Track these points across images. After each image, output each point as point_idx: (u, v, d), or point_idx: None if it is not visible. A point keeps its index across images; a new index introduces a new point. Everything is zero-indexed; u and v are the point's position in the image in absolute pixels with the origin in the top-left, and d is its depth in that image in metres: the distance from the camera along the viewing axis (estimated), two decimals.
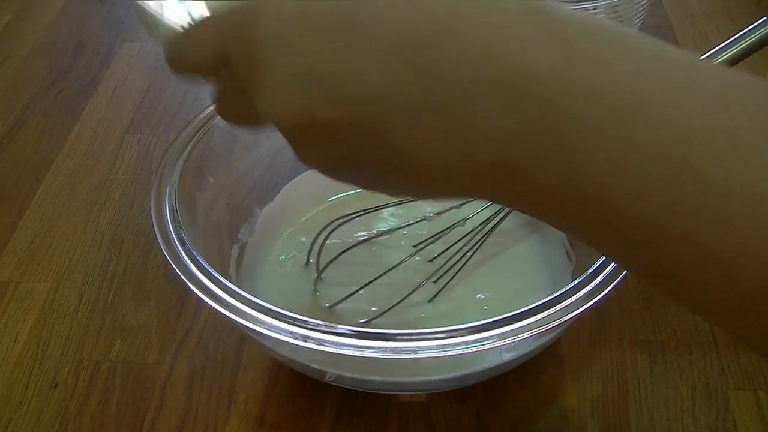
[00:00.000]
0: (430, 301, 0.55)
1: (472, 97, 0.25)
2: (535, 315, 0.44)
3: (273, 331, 0.44)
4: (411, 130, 0.26)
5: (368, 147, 0.28)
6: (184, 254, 0.48)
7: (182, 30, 0.34)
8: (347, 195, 0.63)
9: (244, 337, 0.56)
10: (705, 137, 0.24)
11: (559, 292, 0.45)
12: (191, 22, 0.33)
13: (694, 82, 0.25)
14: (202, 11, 0.34)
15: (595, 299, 0.45)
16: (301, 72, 0.27)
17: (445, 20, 0.25)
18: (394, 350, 0.43)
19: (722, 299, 0.26)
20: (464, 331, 0.43)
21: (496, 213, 0.57)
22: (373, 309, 0.54)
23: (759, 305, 0.25)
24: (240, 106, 0.32)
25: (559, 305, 0.44)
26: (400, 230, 0.60)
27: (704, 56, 0.46)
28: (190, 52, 0.33)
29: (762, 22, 0.45)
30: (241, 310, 0.45)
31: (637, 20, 0.77)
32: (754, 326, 0.26)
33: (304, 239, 0.60)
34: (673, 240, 0.25)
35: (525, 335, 0.43)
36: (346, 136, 0.27)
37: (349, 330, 0.44)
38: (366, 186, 0.32)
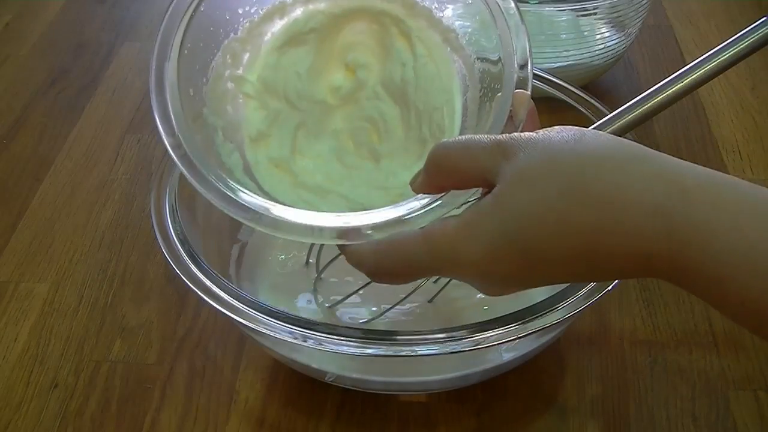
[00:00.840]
0: (430, 301, 0.55)
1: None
2: (535, 315, 0.44)
3: (273, 331, 0.44)
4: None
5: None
6: (184, 254, 0.48)
7: None
8: None
9: (244, 337, 0.56)
10: None
11: (559, 292, 0.45)
12: None
13: None
14: None
15: (595, 299, 0.45)
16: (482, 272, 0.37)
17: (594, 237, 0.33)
18: (394, 350, 0.43)
19: None
20: (464, 331, 0.43)
21: None
22: (373, 309, 0.54)
23: None
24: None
25: (559, 305, 0.44)
26: None
27: (704, 56, 0.46)
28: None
29: (762, 22, 0.45)
30: (241, 310, 0.45)
31: (638, 20, 0.77)
32: None
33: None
34: None
35: (525, 335, 0.43)
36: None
37: (349, 330, 0.44)
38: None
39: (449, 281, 0.55)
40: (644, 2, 0.75)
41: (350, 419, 0.52)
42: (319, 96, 0.49)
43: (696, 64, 0.46)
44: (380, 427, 0.51)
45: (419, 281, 0.54)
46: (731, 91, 0.78)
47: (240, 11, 0.47)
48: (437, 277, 0.55)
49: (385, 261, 0.38)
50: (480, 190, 0.39)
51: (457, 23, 0.47)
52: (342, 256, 0.56)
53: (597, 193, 0.33)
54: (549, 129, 0.36)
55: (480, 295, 0.55)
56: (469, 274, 0.37)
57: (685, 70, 0.46)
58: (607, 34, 0.76)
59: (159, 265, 0.62)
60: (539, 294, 0.49)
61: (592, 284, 0.45)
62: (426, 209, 0.40)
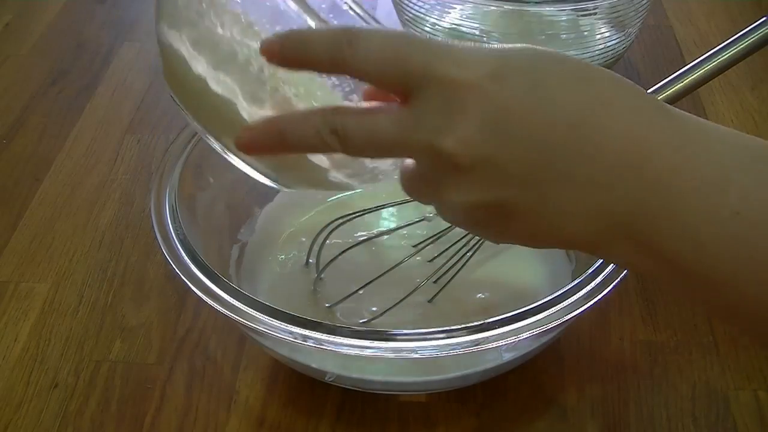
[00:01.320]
0: (430, 301, 0.55)
1: (612, 175, 0.32)
2: (535, 315, 0.44)
3: (273, 331, 0.44)
4: (565, 187, 0.32)
5: (524, 195, 0.33)
6: (184, 254, 0.48)
7: None
8: (347, 195, 0.63)
9: (244, 337, 0.56)
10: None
11: (559, 292, 0.45)
12: None
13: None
14: None
15: (595, 299, 0.45)
16: (487, 118, 0.32)
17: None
18: (394, 350, 0.43)
19: None
20: (464, 331, 0.43)
21: None
22: (373, 309, 0.54)
23: None
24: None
25: (559, 305, 0.44)
26: (399, 230, 0.60)
27: (704, 56, 0.46)
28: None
29: (762, 22, 0.45)
30: (241, 310, 0.45)
31: (638, 20, 0.77)
32: None
33: (304, 239, 0.60)
34: None
35: (525, 335, 0.43)
36: (511, 179, 0.32)
37: (349, 330, 0.44)
38: (486, 237, 0.37)
39: (449, 281, 0.55)
40: (644, 2, 0.75)
41: (350, 419, 0.52)
42: None
43: (696, 64, 0.46)
44: (380, 427, 0.51)
45: (419, 281, 0.54)
46: (731, 91, 0.78)
47: None
48: (437, 277, 0.55)
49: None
50: None
51: None
52: (342, 256, 0.56)
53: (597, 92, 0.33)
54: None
55: (480, 295, 0.56)
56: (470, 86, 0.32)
57: (685, 70, 0.46)
58: (607, 34, 0.76)
59: (159, 265, 0.62)
60: (539, 294, 0.49)
61: (593, 284, 0.45)
62: None
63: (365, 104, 0.36)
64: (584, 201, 0.32)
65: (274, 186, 0.43)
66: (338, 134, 0.33)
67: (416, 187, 0.36)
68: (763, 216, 0.31)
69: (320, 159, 0.39)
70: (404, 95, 0.33)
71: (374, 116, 0.33)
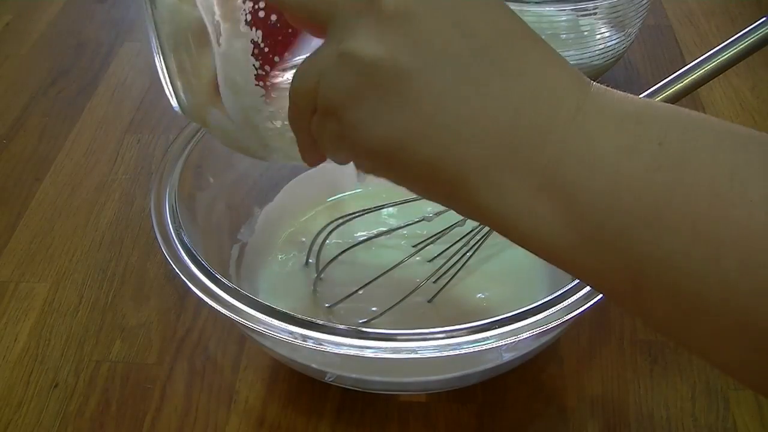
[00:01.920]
0: (429, 301, 0.55)
1: (527, 93, 0.30)
2: (535, 315, 0.44)
3: (273, 331, 0.44)
4: (474, 87, 0.29)
5: (428, 74, 0.29)
6: (184, 254, 0.48)
7: None
8: (347, 195, 0.63)
9: (244, 337, 0.56)
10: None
11: (559, 292, 0.45)
12: None
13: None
14: None
15: (595, 299, 0.45)
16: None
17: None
18: (394, 350, 0.43)
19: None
20: (464, 331, 0.43)
21: None
22: (373, 309, 0.54)
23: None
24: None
25: (559, 305, 0.44)
26: (399, 230, 0.60)
27: (704, 56, 0.46)
28: None
29: (762, 22, 0.45)
30: (241, 310, 0.45)
31: (638, 20, 0.77)
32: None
33: (304, 239, 0.60)
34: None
35: (525, 335, 0.43)
36: (424, 49, 0.30)
37: (349, 330, 0.44)
38: (368, 115, 0.31)
39: (449, 281, 0.55)
40: (644, 2, 0.75)
41: (350, 419, 0.52)
42: None
43: (696, 64, 0.46)
44: (380, 427, 0.51)
45: (419, 281, 0.54)
46: (731, 91, 0.78)
47: None
48: (437, 277, 0.55)
49: None
50: None
51: None
52: (342, 256, 0.56)
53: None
54: None
55: (480, 295, 0.56)
56: None
57: (685, 70, 0.46)
58: (607, 34, 0.76)
59: (159, 265, 0.62)
60: (539, 294, 0.49)
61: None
62: None
63: None
64: (486, 110, 0.29)
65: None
66: None
67: (313, 57, 0.33)
68: (688, 146, 0.28)
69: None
70: None
71: None
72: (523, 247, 0.31)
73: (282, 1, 0.34)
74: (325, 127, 0.33)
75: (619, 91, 0.31)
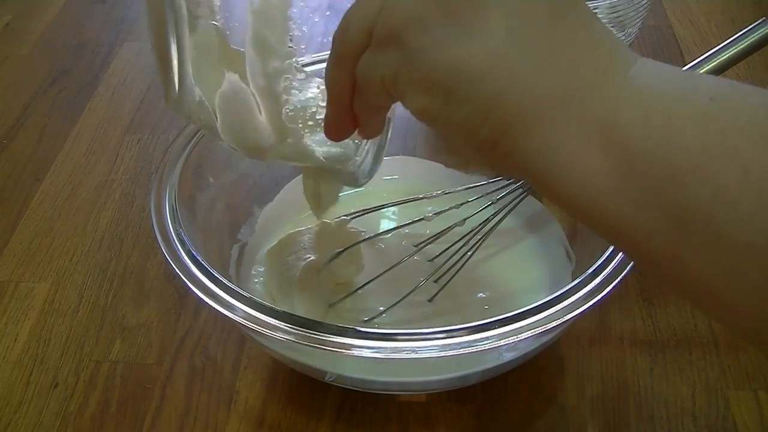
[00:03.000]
0: (430, 300, 0.55)
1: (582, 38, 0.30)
2: (535, 315, 0.44)
3: (273, 331, 0.44)
4: (527, 26, 0.30)
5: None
6: (184, 254, 0.48)
7: None
8: (346, 194, 0.63)
9: (244, 337, 0.56)
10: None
11: (559, 292, 0.45)
12: None
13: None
14: None
15: (595, 299, 0.45)
16: None
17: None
18: (394, 350, 0.43)
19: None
20: (464, 331, 0.43)
21: (495, 213, 0.57)
22: (374, 307, 0.54)
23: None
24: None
25: (559, 305, 0.44)
26: (400, 230, 0.60)
27: (704, 56, 0.46)
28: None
29: (762, 22, 0.45)
30: (241, 310, 0.45)
31: (638, 20, 0.77)
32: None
33: None
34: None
35: (525, 335, 0.43)
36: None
37: (349, 330, 0.44)
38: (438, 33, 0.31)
39: (450, 280, 0.55)
40: (644, 2, 0.75)
41: (350, 419, 0.52)
42: None
43: (696, 64, 0.46)
44: (380, 427, 0.51)
45: (420, 281, 0.54)
46: None
47: None
48: (437, 276, 0.55)
49: None
50: None
51: None
52: (342, 255, 0.56)
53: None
54: None
55: (481, 294, 0.56)
56: None
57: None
58: None
59: (159, 265, 0.62)
60: (539, 294, 0.49)
61: (593, 284, 0.45)
62: None
63: None
64: (555, 55, 0.30)
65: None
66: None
67: None
68: (738, 101, 0.28)
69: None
70: None
71: None
72: (558, 200, 0.31)
73: None
74: (379, 60, 0.33)
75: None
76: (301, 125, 0.43)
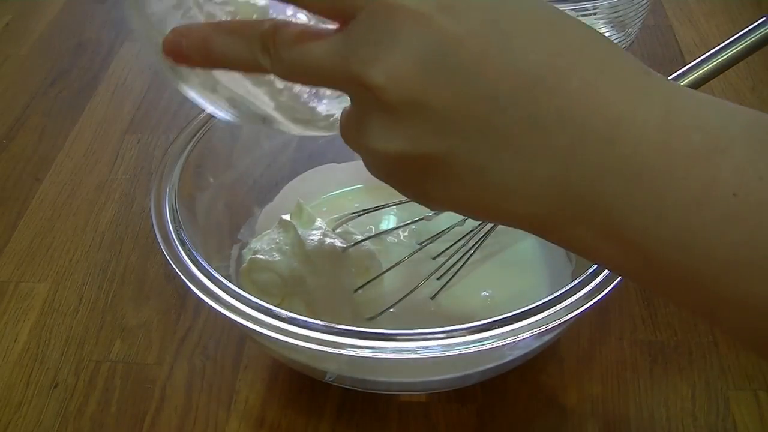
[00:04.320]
0: (432, 298, 0.55)
1: (572, 145, 0.28)
2: (535, 315, 0.44)
3: (273, 331, 0.44)
4: (511, 153, 0.28)
5: (461, 154, 0.28)
6: (184, 254, 0.48)
7: None
8: (346, 191, 0.63)
9: (244, 337, 0.56)
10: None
11: (559, 292, 0.45)
12: None
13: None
14: None
15: (595, 299, 0.45)
16: (429, 52, 0.27)
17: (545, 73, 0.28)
18: (394, 350, 0.43)
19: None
20: (464, 331, 0.43)
21: None
22: (377, 305, 0.54)
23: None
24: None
25: (559, 305, 0.44)
26: (400, 229, 0.60)
27: (704, 56, 0.46)
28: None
29: (762, 22, 0.45)
30: (241, 310, 0.45)
31: (638, 20, 0.77)
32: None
33: None
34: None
35: (525, 335, 0.43)
36: (446, 130, 0.28)
37: (349, 330, 0.44)
38: (419, 194, 0.32)
39: (450, 279, 0.55)
40: (644, 2, 0.75)
41: (350, 419, 0.52)
42: None
43: (696, 64, 0.46)
44: (380, 427, 0.51)
45: (421, 279, 0.54)
46: (731, 91, 0.78)
47: None
48: (440, 273, 0.55)
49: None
50: None
51: None
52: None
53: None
54: None
55: (484, 293, 0.56)
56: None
57: (685, 70, 0.46)
58: (607, 34, 0.76)
59: (159, 265, 0.62)
60: (539, 294, 0.49)
61: (593, 284, 0.45)
62: None
63: (303, 24, 0.32)
64: (533, 172, 0.28)
65: (228, 119, 0.42)
66: (269, 53, 0.30)
67: (346, 128, 0.32)
68: (765, 195, 0.26)
69: (264, 98, 0.37)
70: (344, 20, 0.30)
71: (309, 39, 0.30)
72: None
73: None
74: (395, 135, 0.31)
75: (693, 96, 0.29)
76: None
